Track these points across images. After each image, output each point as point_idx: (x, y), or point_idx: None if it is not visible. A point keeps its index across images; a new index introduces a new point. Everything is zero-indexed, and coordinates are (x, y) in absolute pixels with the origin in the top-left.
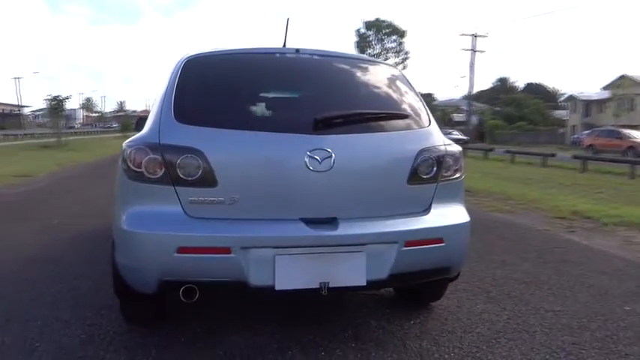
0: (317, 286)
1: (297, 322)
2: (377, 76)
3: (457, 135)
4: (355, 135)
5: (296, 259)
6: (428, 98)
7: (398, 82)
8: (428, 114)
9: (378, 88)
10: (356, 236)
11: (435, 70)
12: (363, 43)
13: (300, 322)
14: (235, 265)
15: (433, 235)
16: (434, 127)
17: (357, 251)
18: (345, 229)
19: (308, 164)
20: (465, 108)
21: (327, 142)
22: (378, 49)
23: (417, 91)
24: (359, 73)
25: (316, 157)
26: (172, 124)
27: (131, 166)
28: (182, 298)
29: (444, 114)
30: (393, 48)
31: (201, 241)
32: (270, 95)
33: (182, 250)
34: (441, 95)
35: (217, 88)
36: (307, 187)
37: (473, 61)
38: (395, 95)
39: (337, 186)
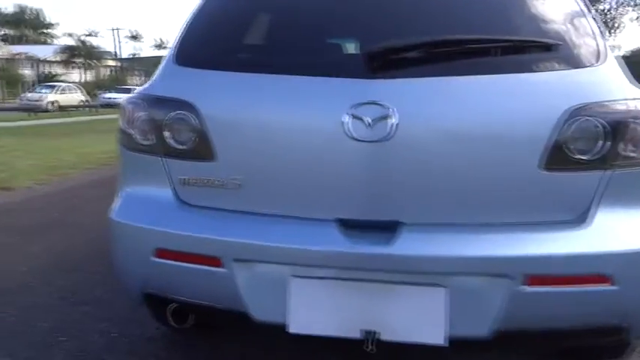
0: (357, 335)
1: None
2: None
3: None
4: (439, 79)
5: (324, 288)
6: None
7: None
8: (598, 45)
9: (508, 3)
10: (431, 260)
11: None
12: None
13: None
14: (227, 284)
15: (589, 269)
16: (610, 67)
17: (433, 285)
18: (412, 245)
19: (348, 128)
20: None
21: (383, 90)
22: (608, 3)
23: (592, 11)
24: None
25: (363, 116)
26: (170, 68)
27: (124, 126)
28: (171, 321)
29: None
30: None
31: (182, 242)
32: (312, 23)
33: (160, 253)
34: None
35: (237, 16)
36: (348, 167)
37: None
38: (536, 13)
39: (402, 167)
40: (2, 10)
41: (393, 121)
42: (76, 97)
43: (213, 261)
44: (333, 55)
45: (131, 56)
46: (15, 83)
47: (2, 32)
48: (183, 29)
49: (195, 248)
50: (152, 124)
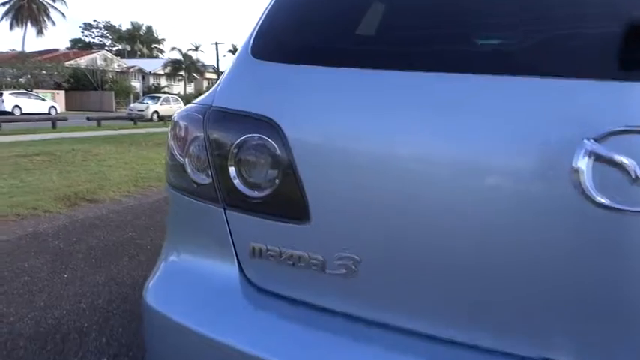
0: None
1: None
2: None
3: None
4: None
5: None
6: None
7: None
8: None
9: None
10: None
11: None
12: None
13: None
14: None
15: None
16: None
17: None
18: None
19: (587, 183)
20: None
21: None
22: None
23: None
24: None
25: (623, 160)
26: (243, 65)
27: (173, 151)
28: None
29: None
30: None
31: None
32: None
33: None
34: None
35: None
36: (583, 259)
37: None
38: None
39: None
40: (118, 27)
41: None
42: (176, 107)
43: None
44: (543, 34)
45: None
46: (126, 94)
47: (117, 47)
48: (267, 8)
49: None
50: (212, 152)
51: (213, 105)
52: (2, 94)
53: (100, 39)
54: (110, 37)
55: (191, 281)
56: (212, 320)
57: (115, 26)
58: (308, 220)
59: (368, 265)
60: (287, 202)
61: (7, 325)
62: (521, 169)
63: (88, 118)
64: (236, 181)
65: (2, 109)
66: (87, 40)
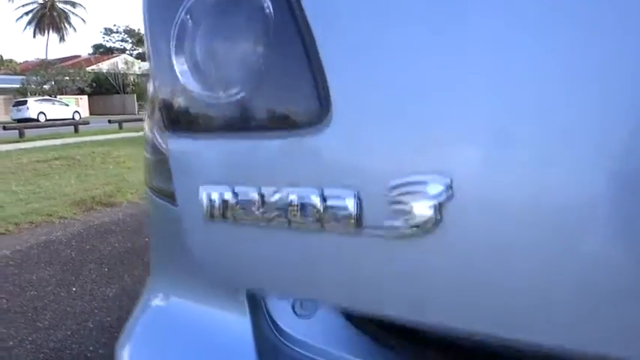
0: None
1: None
2: None
3: None
4: None
5: None
6: None
7: None
8: None
9: None
10: None
11: None
12: None
13: None
14: None
15: None
16: None
17: None
18: None
19: None
20: None
21: None
22: None
23: None
24: None
25: None
26: None
27: (154, 137)
28: None
29: None
30: None
31: None
32: None
33: None
34: None
35: None
36: None
37: None
38: None
39: None
40: (138, 30)
41: None
42: None
43: None
44: None
45: None
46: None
47: (138, 51)
48: None
49: None
50: (151, 36)
51: None
52: (27, 101)
53: (121, 43)
54: (130, 40)
55: (182, 341)
56: None
57: (134, 30)
58: (326, 119)
59: (473, 200)
60: (275, 77)
61: (4, 351)
62: None
63: (109, 121)
64: (186, 73)
65: (28, 116)
66: (108, 44)
